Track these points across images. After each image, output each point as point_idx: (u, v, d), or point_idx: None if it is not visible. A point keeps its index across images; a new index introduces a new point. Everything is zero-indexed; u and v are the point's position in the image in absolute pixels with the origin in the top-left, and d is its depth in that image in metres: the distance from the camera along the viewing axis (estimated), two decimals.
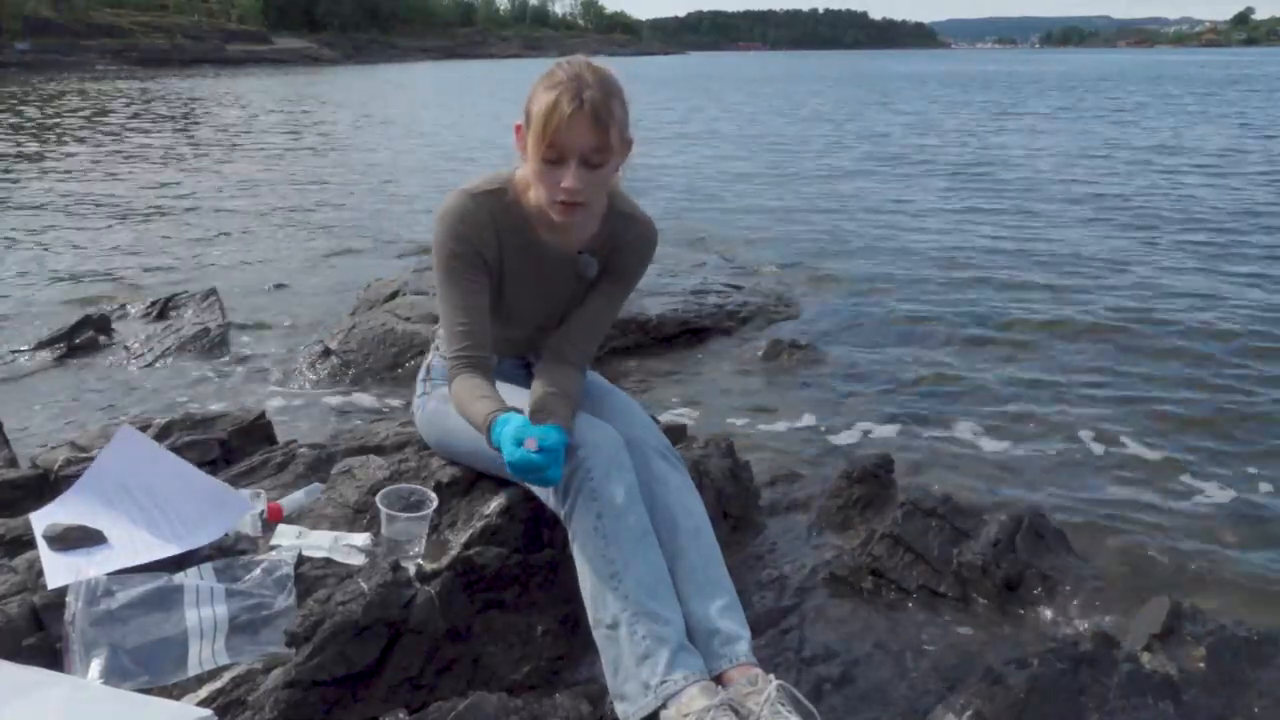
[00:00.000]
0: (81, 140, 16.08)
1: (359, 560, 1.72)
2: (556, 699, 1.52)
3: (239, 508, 1.78)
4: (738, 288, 5.82)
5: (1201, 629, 1.73)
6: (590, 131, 1.58)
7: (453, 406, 1.77)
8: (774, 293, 5.86)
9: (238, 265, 6.88)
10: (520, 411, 1.62)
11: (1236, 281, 6.17)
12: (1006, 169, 11.90)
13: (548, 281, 1.84)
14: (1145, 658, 1.64)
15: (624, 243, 1.84)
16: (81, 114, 21.94)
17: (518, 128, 1.68)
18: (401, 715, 1.43)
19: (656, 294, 5.31)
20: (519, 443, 1.51)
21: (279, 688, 1.40)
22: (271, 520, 1.82)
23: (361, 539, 1.77)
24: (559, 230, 1.77)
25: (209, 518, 1.75)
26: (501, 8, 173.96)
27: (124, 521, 1.76)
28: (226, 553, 1.70)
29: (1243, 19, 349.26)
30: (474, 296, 1.74)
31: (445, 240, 1.73)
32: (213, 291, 5.51)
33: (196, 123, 20.04)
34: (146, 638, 1.49)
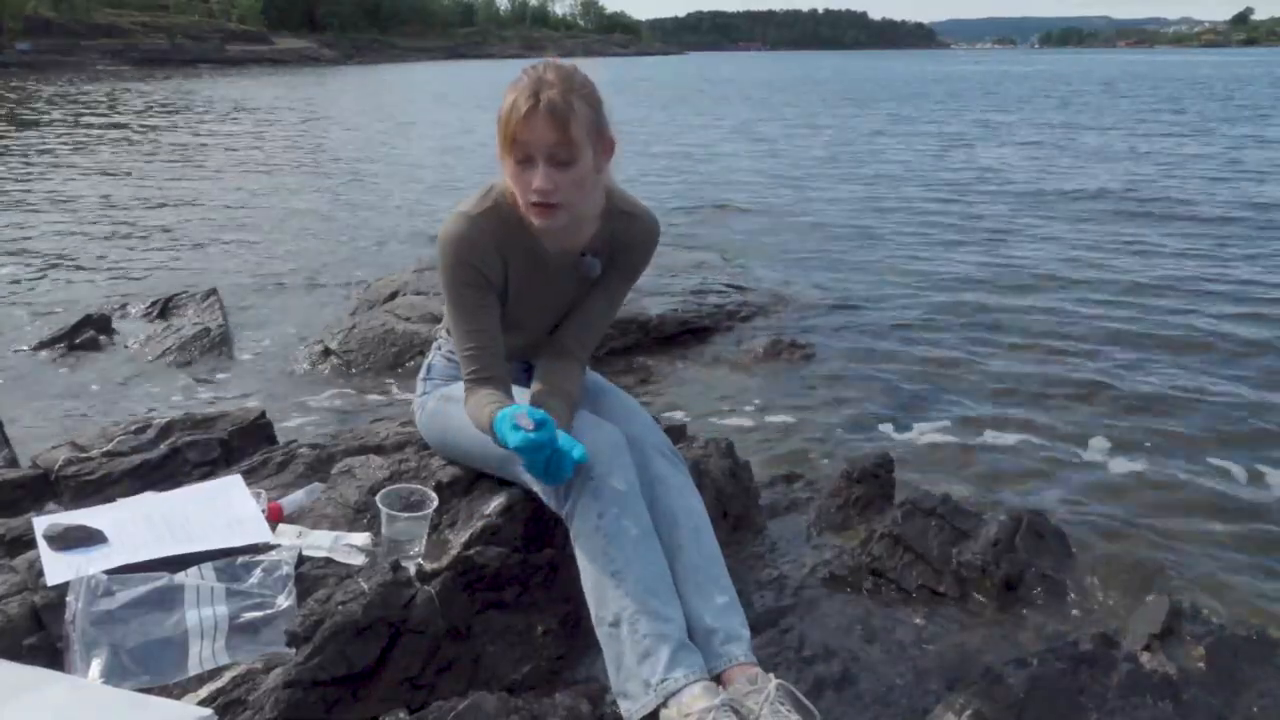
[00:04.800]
0: (82, 140, 16.07)
1: (359, 560, 1.72)
2: (556, 699, 1.52)
3: (255, 532, 1.77)
4: (738, 288, 5.82)
5: (1201, 629, 1.73)
6: (550, 128, 1.57)
7: (458, 411, 1.80)
8: (774, 293, 5.86)
9: (238, 265, 6.88)
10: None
11: (1244, 283, 6.17)
12: (1009, 175, 11.90)
13: (552, 288, 1.84)
14: (1145, 657, 1.63)
15: (627, 240, 1.84)
16: (82, 114, 21.94)
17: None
18: (401, 715, 1.43)
19: (656, 294, 5.31)
20: (515, 427, 1.53)
21: (279, 688, 1.40)
22: (271, 520, 1.82)
23: (361, 539, 1.77)
24: (559, 235, 1.77)
25: (220, 531, 1.75)
26: (501, 8, 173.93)
27: (127, 523, 1.76)
28: (227, 552, 1.70)
29: (1242, 19, 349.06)
30: (483, 320, 1.75)
31: (449, 266, 1.73)
32: (213, 291, 5.52)
33: (196, 123, 20.04)
34: (147, 638, 1.49)
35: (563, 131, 1.58)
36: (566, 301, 1.87)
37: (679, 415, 3.82)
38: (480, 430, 1.71)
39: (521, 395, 1.79)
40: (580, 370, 1.83)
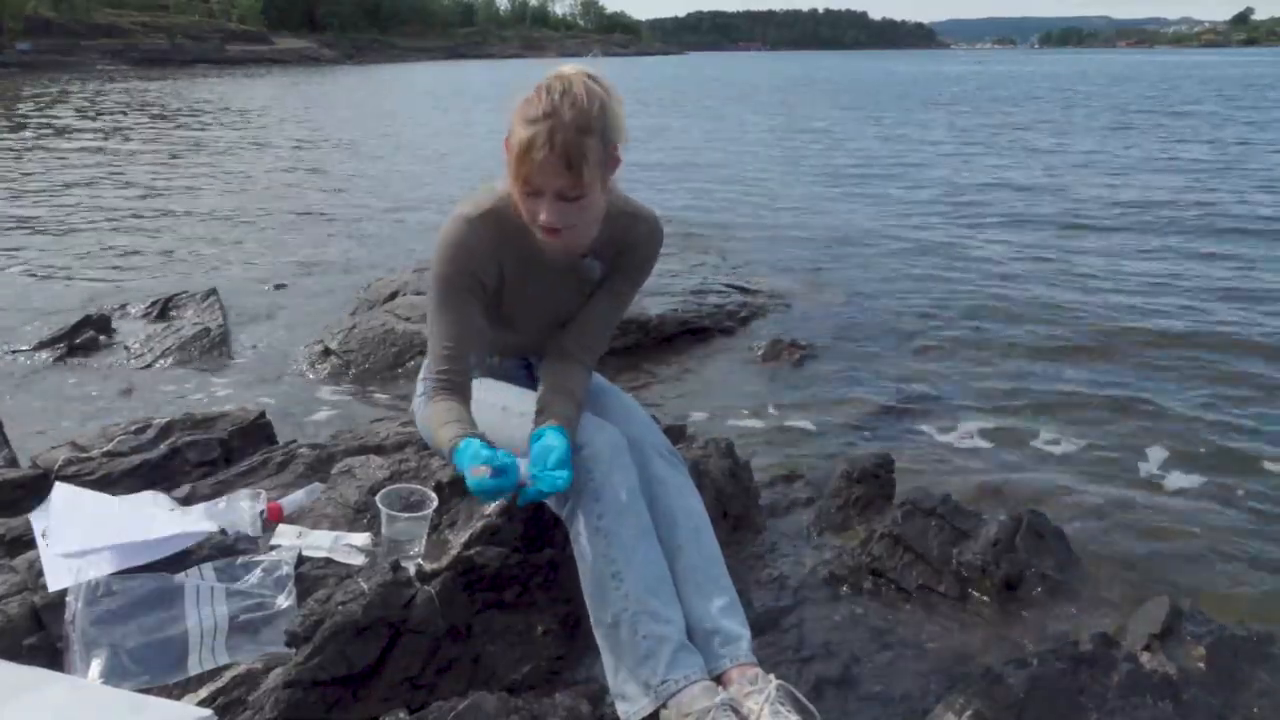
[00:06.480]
0: (82, 141, 16.07)
1: (359, 560, 1.72)
2: (556, 699, 1.52)
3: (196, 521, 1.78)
4: (738, 288, 5.82)
5: (1201, 629, 1.73)
6: (562, 174, 1.57)
7: (425, 426, 1.82)
8: (774, 293, 5.86)
9: (238, 265, 6.88)
10: (482, 438, 1.61)
11: (1245, 286, 6.17)
12: (1009, 177, 11.91)
13: (551, 289, 1.83)
14: (1145, 657, 1.64)
15: (630, 242, 1.83)
16: (81, 114, 21.93)
17: (507, 141, 1.65)
18: (401, 715, 1.43)
19: (656, 294, 5.31)
20: (475, 460, 1.52)
21: (279, 688, 1.40)
22: (271, 520, 1.82)
23: (361, 539, 1.78)
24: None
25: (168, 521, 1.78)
26: (501, 8, 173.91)
27: (121, 520, 1.76)
28: (226, 553, 1.70)
29: (1242, 19, 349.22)
30: (465, 324, 1.73)
31: (443, 268, 1.72)
32: (213, 291, 5.52)
33: (197, 123, 20.04)
34: (146, 638, 1.49)
35: (575, 177, 1.57)
36: (565, 305, 1.86)
37: (679, 415, 3.82)
38: (435, 445, 1.76)
39: (522, 395, 1.79)
40: (584, 372, 1.82)
